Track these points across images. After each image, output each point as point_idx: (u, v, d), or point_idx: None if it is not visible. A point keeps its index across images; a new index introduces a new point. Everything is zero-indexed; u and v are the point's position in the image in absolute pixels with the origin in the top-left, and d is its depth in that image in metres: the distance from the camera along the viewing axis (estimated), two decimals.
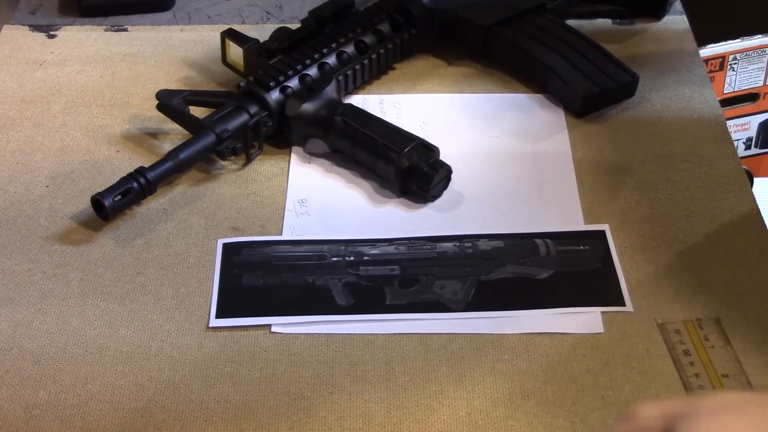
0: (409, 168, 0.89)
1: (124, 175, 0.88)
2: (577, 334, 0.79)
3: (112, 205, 0.86)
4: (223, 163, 0.94)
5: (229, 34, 1.01)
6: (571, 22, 1.09)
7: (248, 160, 0.94)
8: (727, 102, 1.34)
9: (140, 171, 0.88)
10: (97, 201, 0.87)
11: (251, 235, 0.87)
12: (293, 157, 0.95)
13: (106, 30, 1.12)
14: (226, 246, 0.86)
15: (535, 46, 1.03)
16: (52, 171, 0.94)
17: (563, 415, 0.73)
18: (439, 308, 0.81)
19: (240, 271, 0.84)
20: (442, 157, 0.91)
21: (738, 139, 1.38)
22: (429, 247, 0.86)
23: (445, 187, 0.91)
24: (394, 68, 1.06)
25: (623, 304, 0.81)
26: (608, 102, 1.00)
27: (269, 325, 0.80)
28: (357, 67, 1.01)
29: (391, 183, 0.91)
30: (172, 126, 0.96)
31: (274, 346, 0.78)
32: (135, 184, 0.87)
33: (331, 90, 0.97)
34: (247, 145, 0.93)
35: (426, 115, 1.00)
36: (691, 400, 0.58)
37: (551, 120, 0.99)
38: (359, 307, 0.81)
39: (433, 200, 0.90)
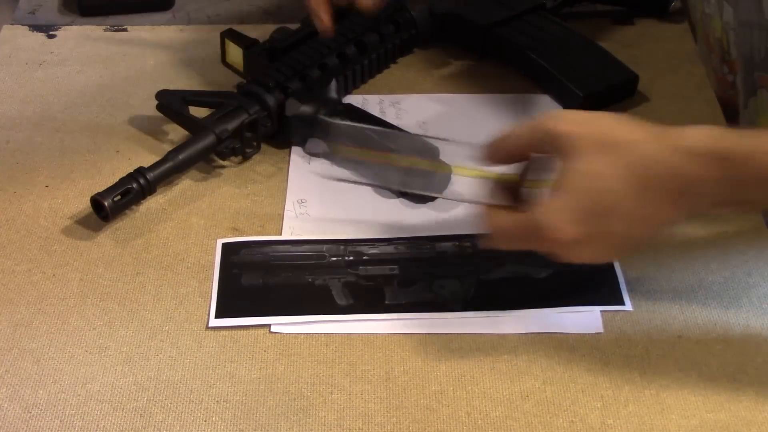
0: None
1: (124, 175, 0.88)
2: (577, 334, 0.79)
3: (111, 205, 0.86)
4: (222, 163, 0.94)
5: (229, 35, 1.01)
6: (571, 22, 1.09)
7: (244, 159, 0.94)
8: None
9: (140, 171, 0.88)
10: (96, 201, 0.87)
11: (251, 235, 0.87)
12: (293, 157, 0.95)
13: (106, 30, 1.12)
14: (225, 246, 0.86)
15: (534, 46, 1.03)
16: (52, 171, 0.94)
17: (563, 415, 0.73)
18: (439, 308, 0.81)
19: (239, 271, 0.84)
20: (442, 157, 0.91)
21: None
22: (428, 246, 0.86)
23: (445, 186, 0.91)
24: (394, 68, 1.06)
25: (623, 303, 0.81)
26: (608, 102, 1.00)
27: (269, 325, 0.80)
28: (357, 67, 1.01)
29: None
30: (172, 126, 0.96)
31: (274, 346, 0.78)
32: (135, 185, 0.87)
33: (331, 90, 0.97)
34: (242, 143, 0.93)
35: (426, 115, 1.00)
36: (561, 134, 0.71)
37: None
38: (359, 306, 0.81)
39: (432, 200, 0.90)
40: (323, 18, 0.97)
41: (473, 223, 0.88)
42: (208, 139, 0.91)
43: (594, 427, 0.72)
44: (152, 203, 0.90)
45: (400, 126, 0.95)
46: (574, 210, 0.70)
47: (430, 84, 1.05)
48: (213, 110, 0.93)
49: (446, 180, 0.90)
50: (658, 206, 0.69)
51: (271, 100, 0.94)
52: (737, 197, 0.69)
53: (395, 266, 0.84)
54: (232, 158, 0.94)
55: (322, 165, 0.94)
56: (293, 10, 1.15)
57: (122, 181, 0.87)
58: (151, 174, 0.88)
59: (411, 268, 0.84)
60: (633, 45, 1.08)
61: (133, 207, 0.89)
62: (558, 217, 0.70)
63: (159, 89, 0.96)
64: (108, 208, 0.86)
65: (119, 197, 0.86)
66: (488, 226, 0.75)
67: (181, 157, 0.90)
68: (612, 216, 0.69)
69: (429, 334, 0.79)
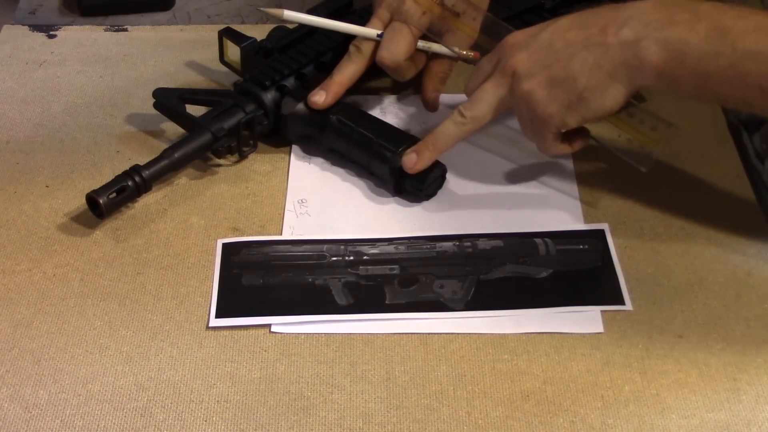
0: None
1: None
2: (577, 333, 0.79)
3: (107, 202, 0.86)
4: (221, 162, 0.94)
5: (227, 33, 1.01)
6: None
7: (241, 158, 0.94)
8: None
9: (135, 169, 0.88)
10: (91, 198, 0.86)
11: (251, 235, 0.87)
12: (293, 157, 0.95)
13: (106, 30, 1.12)
14: (225, 246, 0.86)
15: None
16: (52, 171, 0.94)
17: (563, 415, 0.73)
18: (439, 308, 0.81)
19: (240, 271, 0.84)
20: (443, 156, 0.91)
21: None
22: (428, 246, 0.86)
23: (440, 186, 0.91)
24: None
25: (623, 303, 0.81)
26: None
27: (269, 325, 0.80)
28: None
29: (386, 182, 0.91)
30: (172, 126, 0.96)
31: (274, 346, 0.78)
32: (129, 182, 0.87)
33: None
34: (239, 142, 0.93)
35: (426, 115, 1.00)
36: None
37: None
38: (359, 306, 0.81)
39: (427, 199, 0.90)
40: (328, 99, 0.93)
41: (473, 222, 0.88)
42: (204, 137, 0.91)
43: (594, 427, 0.72)
44: (152, 203, 0.90)
45: (399, 125, 0.95)
46: (525, 33, 0.84)
47: None
48: (210, 108, 0.93)
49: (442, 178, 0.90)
50: (592, 25, 0.79)
51: (267, 99, 0.94)
52: (667, 29, 0.76)
53: (395, 266, 0.84)
54: (229, 156, 0.94)
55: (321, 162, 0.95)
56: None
57: (117, 178, 0.87)
58: (146, 172, 0.88)
59: (411, 267, 0.84)
60: None
61: (133, 206, 0.89)
62: (514, 34, 0.85)
63: None
64: (103, 205, 0.86)
65: (114, 194, 0.86)
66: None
67: (176, 155, 0.89)
68: (549, 26, 0.82)
69: (429, 334, 0.79)
